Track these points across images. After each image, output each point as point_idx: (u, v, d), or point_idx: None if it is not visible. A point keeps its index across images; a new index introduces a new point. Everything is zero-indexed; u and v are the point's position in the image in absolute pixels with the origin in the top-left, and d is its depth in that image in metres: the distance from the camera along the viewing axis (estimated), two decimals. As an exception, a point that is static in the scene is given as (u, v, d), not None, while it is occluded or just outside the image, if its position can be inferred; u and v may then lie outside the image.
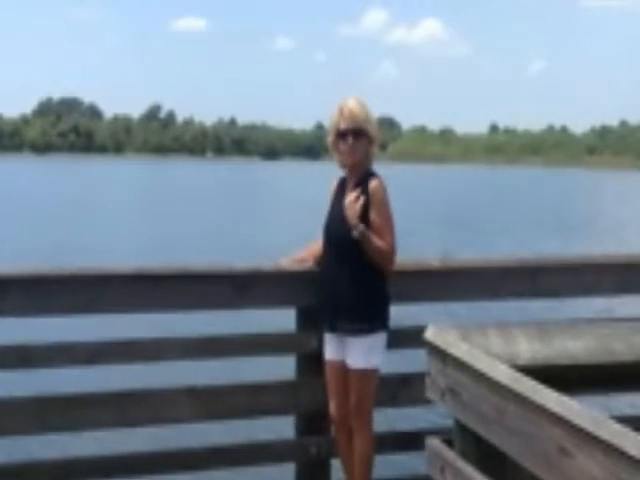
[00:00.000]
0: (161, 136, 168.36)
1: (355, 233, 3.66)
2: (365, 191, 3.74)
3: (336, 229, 3.78)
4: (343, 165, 3.88)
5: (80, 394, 3.66)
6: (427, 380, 2.80)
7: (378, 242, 3.69)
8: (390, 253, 3.73)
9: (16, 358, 3.53)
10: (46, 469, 3.67)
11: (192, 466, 3.86)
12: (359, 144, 3.78)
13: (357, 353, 3.72)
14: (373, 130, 3.82)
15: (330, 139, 3.85)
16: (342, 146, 3.80)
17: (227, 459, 3.89)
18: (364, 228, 3.67)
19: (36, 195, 43.62)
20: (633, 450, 1.80)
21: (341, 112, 3.79)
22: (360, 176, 3.82)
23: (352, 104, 3.80)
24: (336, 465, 3.94)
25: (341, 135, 3.79)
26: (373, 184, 3.75)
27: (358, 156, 3.80)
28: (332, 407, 3.82)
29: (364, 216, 3.71)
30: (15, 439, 3.87)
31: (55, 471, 3.66)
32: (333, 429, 3.89)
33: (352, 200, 3.69)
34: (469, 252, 14.46)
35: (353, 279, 3.73)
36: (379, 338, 3.73)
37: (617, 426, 1.89)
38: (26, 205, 35.51)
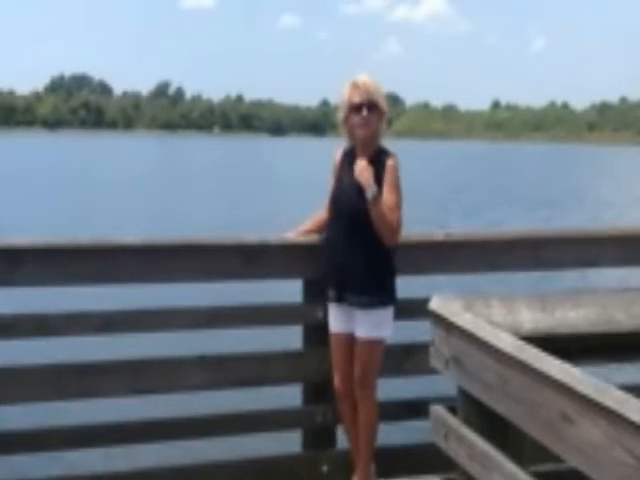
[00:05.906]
0: (170, 112, 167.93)
1: (370, 194, 3.63)
2: (380, 168, 3.74)
3: (347, 200, 3.77)
4: (355, 140, 3.84)
5: (95, 362, 3.72)
6: (431, 349, 2.84)
7: (387, 213, 3.68)
8: (395, 227, 3.70)
9: (33, 327, 3.59)
10: (62, 435, 3.74)
11: (201, 432, 3.94)
12: (373, 117, 3.77)
13: (367, 325, 3.73)
14: (384, 105, 3.82)
15: (341, 115, 3.82)
16: (356, 119, 3.77)
17: (235, 426, 3.95)
18: (377, 190, 3.65)
19: (48, 169, 43.57)
20: (635, 416, 1.82)
21: (355, 86, 3.78)
22: (372, 152, 3.80)
23: (365, 78, 3.80)
24: (342, 432, 3.99)
25: (355, 108, 3.76)
26: (390, 163, 3.75)
27: (371, 128, 3.77)
28: (337, 380, 3.84)
29: None
30: (32, 406, 3.94)
31: (71, 437, 3.73)
32: (337, 401, 3.92)
33: (364, 166, 3.68)
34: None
35: (364, 251, 3.73)
36: (388, 311, 3.76)
37: (619, 393, 1.92)
38: (38, 179, 35.51)
